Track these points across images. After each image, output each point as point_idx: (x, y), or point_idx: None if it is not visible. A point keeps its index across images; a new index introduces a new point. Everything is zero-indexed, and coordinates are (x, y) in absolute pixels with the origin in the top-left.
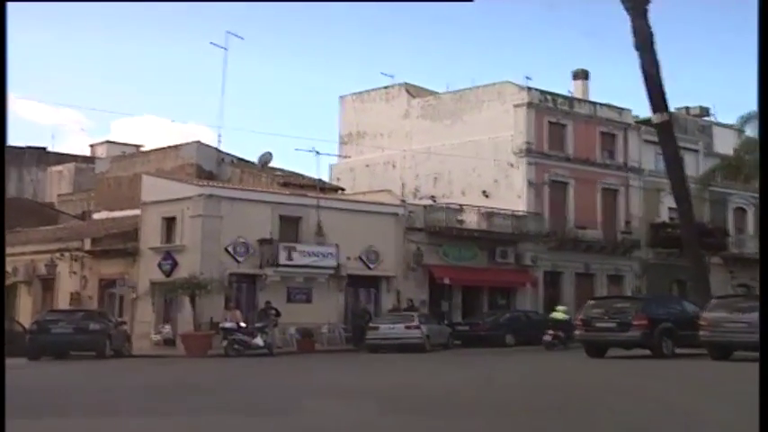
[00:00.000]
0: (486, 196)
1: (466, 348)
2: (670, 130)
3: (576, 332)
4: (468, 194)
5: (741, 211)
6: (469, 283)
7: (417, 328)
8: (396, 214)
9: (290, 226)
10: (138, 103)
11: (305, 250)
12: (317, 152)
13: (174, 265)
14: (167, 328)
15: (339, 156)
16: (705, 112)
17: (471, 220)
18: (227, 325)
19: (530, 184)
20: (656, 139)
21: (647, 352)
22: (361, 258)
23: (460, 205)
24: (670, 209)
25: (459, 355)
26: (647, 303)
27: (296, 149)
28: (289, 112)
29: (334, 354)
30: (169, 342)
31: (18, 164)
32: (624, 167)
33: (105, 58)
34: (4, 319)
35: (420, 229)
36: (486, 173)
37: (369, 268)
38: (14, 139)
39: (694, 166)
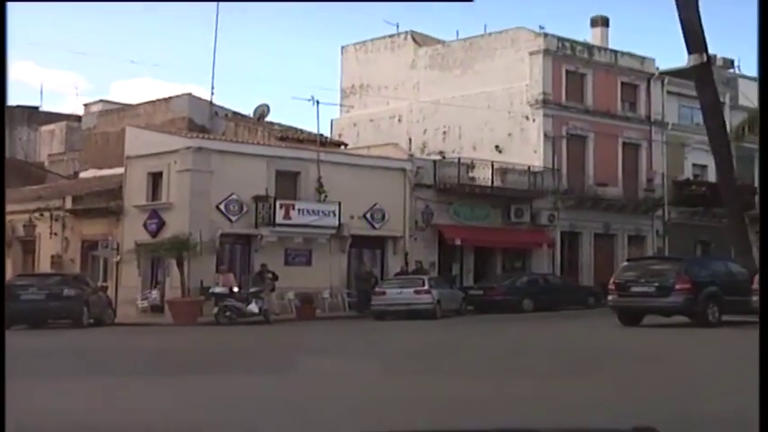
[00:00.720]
0: (499, 152)
1: (480, 315)
2: (708, 73)
3: (609, 297)
4: (480, 150)
5: None
6: (482, 245)
7: (428, 292)
8: (403, 170)
9: (287, 182)
10: (135, 66)
11: (304, 208)
12: (317, 101)
13: (161, 224)
14: (154, 294)
15: (341, 105)
16: (729, 64)
17: (484, 177)
18: (218, 290)
19: (546, 137)
20: (680, 90)
21: (685, 319)
22: (365, 217)
23: (472, 160)
24: (694, 165)
25: (476, 323)
26: (690, 265)
27: (293, 98)
28: (287, 66)
29: (336, 321)
30: (157, 309)
31: (8, 123)
32: (646, 120)
33: (101, 19)
34: (4, 314)
35: (429, 185)
36: (499, 126)
37: (374, 228)
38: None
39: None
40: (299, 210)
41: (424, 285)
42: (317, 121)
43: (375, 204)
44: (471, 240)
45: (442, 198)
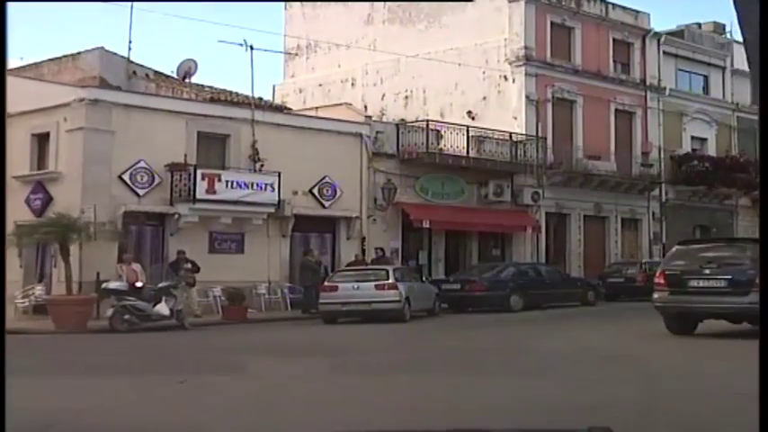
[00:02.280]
0: (472, 118)
1: (458, 314)
2: None
3: (656, 295)
4: (449, 117)
5: None
6: (455, 228)
7: (393, 287)
8: (359, 135)
9: (213, 147)
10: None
11: (234, 180)
12: (250, 46)
13: (48, 200)
14: (39, 290)
15: (284, 54)
16: (721, 29)
17: (457, 145)
18: (113, 285)
19: (529, 100)
20: (677, 51)
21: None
22: (312, 193)
23: (443, 123)
24: (693, 138)
25: (459, 327)
26: None
27: (219, 41)
28: (220, 22)
29: (273, 324)
30: (41, 309)
31: None
32: (641, 84)
33: None
34: (4, 314)
35: (391, 155)
36: (473, 88)
37: (323, 207)
38: None
39: (719, 87)
40: (227, 182)
41: (387, 278)
42: (250, 71)
43: (324, 177)
44: (442, 223)
45: (407, 171)
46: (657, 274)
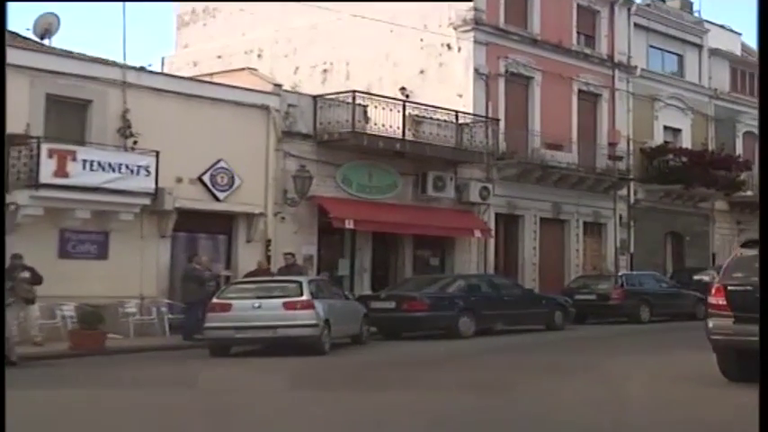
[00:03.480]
0: (406, 96)
1: (393, 342)
2: None
3: (712, 324)
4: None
5: (751, 137)
6: (385, 230)
7: (308, 306)
8: (265, 109)
9: (68, 115)
10: None
11: (96, 160)
12: None
13: None
14: None
15: (176, 18)
16: (687, 6)
17: (389, 126)
18: None
19: (477, 74)
20: (650, 24)
21: None
22: (202, 181)
23: (374, 97)
24: (666, 129)
25: (414, 366)
26: None
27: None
28: None
29: (138, 357)
30: None
31: None
32: (609, 61)
33: None
34: (4, 314)
35: (306, 135)
36: (407, 60)
37: (216, 199)
38: None
39: (695, 69)
40: (85, 162)
41: (300, 294)
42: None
43: (219, 161)
44: (369, 223)
45: (326, 156)
46: (714, 290)
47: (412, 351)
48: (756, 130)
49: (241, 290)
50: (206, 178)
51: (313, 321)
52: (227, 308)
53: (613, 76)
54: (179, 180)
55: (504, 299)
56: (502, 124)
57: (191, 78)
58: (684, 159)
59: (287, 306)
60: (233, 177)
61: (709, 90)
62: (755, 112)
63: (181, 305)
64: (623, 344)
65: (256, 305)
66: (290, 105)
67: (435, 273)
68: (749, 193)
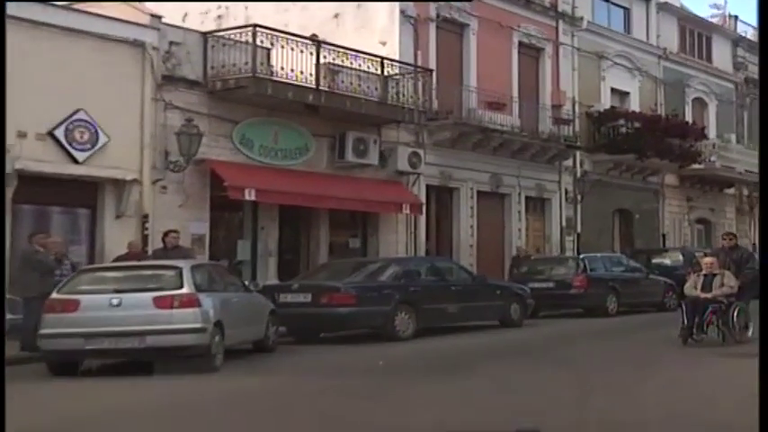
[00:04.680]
0: (317, 43)
1: (310, 349)
2: None
3: None
4: None
5: (701, 104)
6: (295, 203)
7: (190, 302)
8: (140, 46)
9: None
10: None
11: None
12: None
13: None
14: None
15: None
16: None
17: (300, 73)
18: None
19: (404, 18)
20: None
21: None
22: (54, 137)
23: (280, 34)
24: (613, 91)
25: (342, 391)
26: None
27: None
28: None
29: None
30: None
31: None
32: (552, 11)
33: None
34: (4, 314)
35: (194, 82)
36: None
37: (74, 161)
38: None
39: (642, 25)
40: None
41: (180, 285)
42: None
43: (77, 112)
44: (275, 194)
45: (220, 109)
46: None
47: (336, 362)
48: (706, 97)
49: (94, 280)
50: (59, 133)
51: (197, 324)
52: (72, 306)
53: (557, 28)
54: (21, 135)
55: (451, 289)
56: (434, 78)
57: (41, 1)
58: (637, 125)
59: (159, 302)
60: (96, 133)
61: (657, 49)
62: (706, 77)
63: (22, 301)
64: (616, 347)
65: (115, 302)
66: (172, 43)
67: (356, 256)
68: (702, 165)
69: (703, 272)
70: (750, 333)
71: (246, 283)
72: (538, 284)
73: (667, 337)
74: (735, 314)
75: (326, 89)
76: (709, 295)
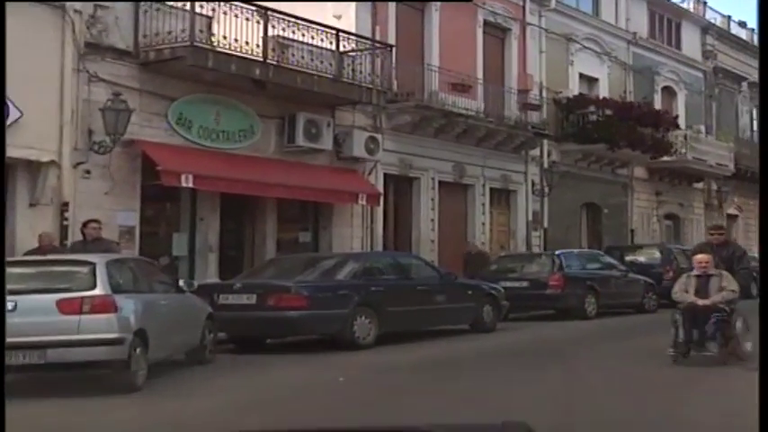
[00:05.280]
0: (265, 11)
1: (253, 359)
2: None
3: None
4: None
5: (670, 93)
6: (239, 191)
7: (104, 307)
8: (60, 8)
9: None
10: None
11: None
12: None
13: None
14: None
15: None
16: None
17: (246, 43)
18: None
19: None
20: None
21: None
22: None
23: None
24: (582, 77)
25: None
26: None
27: None
28: None
29: None
30: None
31: None
32: None
33: None
34: (4, 314)
35: (123, 52)
36: None
37: None
38: None
39: (611, 8)
40: None
41: (93, 285)
42: None
43: None
44: (216, 181)
45: (154, 84)
46: None
47: (286, 377)
48: (675, 86)
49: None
50: None
51: (112, 334)
52: None
53: (524, 7)
54: None
55: (417, 288)
56: (393, 57)
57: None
58: (609, 113)
59: (64, 307)
60: (6, 107)
61: (627, 33)
62: (675, 65)
63: None
64: (604, 363)
65: (9, 306)
66: (98, 6)
67: (307, 252)
68: (673, 157)
69: (695, 272)
70: (749, 347)
71: (181, 282)
72: (509, 284)
73: (656, 349)
74: (737, 325)
75: (275, 63)
76: (708, 302)
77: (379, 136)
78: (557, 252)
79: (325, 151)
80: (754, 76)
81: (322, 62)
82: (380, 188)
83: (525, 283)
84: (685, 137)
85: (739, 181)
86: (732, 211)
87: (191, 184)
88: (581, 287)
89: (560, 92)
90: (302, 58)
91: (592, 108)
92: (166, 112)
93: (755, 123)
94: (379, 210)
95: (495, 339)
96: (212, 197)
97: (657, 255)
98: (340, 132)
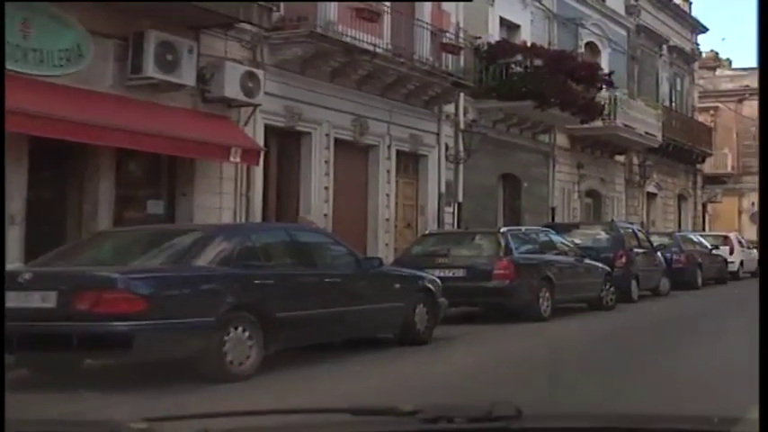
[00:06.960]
0: None
1: (57, 390)
2: None
3: None
4: None
5: (592, 49)
6: (59, 135)
7: None
8: None
9: None
10: None
11: None
12: None
13: None
14: None
15: None
16: None
17: None
18: None
19: None
20: None
21: None
22: None
23: None
24: (503, 22)
25: None
26: None
27: None
28: None
29: None
30: None
31: None
32: None
33: None
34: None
35: None
36: None
37: None
38: None
39: None
40: None
41: None
42: None
43: None
44: (24, 120)
45: None
46: None
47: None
48: (599, 42)
49: None
50: None
51: None
52: None
53: None
54: None
55: (325, 281)
56: None
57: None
58: (539, 63)
59: None
60: None
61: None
62: (599, 18)
63: None
64: None
65: None
66: None
67: (161, 223)
68: (602, 123)
69: None
70: None
71: None
72: (440, 272)
73: None
74: None
75: None
76: None
77: (260, 72)
78: (501, 229)
79: (186, 88)
80: (675, 39)
81: None
82: (261, 143)
83: (460, 272)
84: (615, 99)
85: (660, 156)
86: (651, 188)
87: None
88: (535, 278)
89: (479, 37)
90: None
91: (519, 57)
92: None
93: (674, 92)
94: (258, 171)
95: (433, 361)
96: (18, 144)
97: (604, 236)
98: (207, 64)
